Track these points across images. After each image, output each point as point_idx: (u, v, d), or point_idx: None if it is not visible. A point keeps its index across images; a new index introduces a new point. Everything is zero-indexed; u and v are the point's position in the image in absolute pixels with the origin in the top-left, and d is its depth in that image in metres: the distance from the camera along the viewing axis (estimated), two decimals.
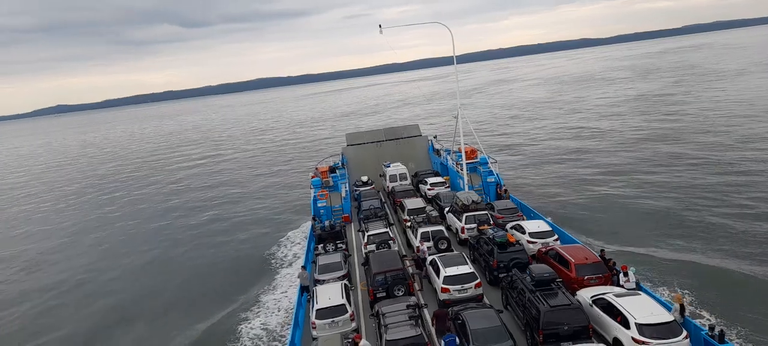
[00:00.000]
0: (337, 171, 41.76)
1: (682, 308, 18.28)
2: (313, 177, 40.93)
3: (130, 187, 78.99)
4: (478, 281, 22.34)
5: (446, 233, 28.57)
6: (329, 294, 21.29)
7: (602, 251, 24.55)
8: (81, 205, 70.21)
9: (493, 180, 38.07)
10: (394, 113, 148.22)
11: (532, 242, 26.51)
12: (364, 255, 27.41)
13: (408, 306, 19.42)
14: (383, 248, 27.33)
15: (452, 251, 27.26)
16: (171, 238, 48.79)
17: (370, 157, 47.38)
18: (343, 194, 38.54)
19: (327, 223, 32.08)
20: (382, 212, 33.42)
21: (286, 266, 35.50)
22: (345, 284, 22.72)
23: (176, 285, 36.54)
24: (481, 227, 28.20)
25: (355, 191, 40.79)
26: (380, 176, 44.19)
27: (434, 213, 31.11)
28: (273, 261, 37.38)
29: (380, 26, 36.18)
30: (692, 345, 17.18)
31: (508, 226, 28.88)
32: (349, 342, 18.32)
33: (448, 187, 39.51)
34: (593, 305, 19.29)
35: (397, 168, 42.40)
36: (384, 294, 22.28)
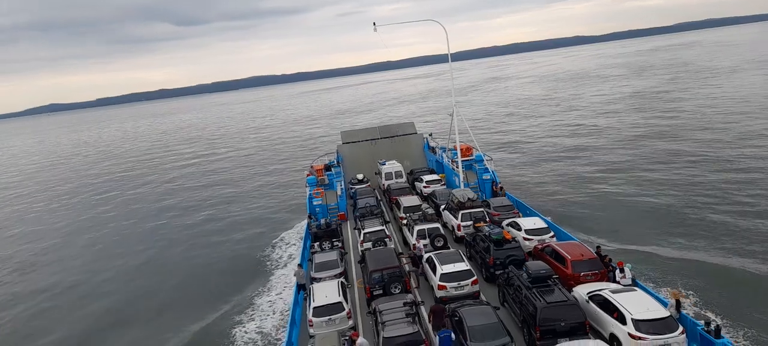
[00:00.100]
0: (332, 169, 41.69)
1: (678, 303, 18.33)
2: (308, 175, 40.77)
3: (124, 186, 78.53)
4: (475, 278, 22.36)
5: (442, 231, 28.49)
6: (326, 292, 21.25)
7: (598, 247, 24.70)
8: (74, 205, 69.75)
9: (488, 177, 38.10)
10: (390, 111, 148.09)
11: (528, 239, 26.50)
12: (360, 253, 27.33)
13: (405, 304, 19.39)
14: (379, 246, 27.25)
15: (448, 248, 27.22)
16: (165, 238, 48.52)
17: (366, 155, 47.28)
18: (339, 192, 38.42)
19: (323, 221, 31.96)
20: (378, 210, 33.30)
21: (281, 267, 35.39)
22: (342, 281, 22.69)
23: (171, 286, 36.33)
24: (477, 225, 28.17)
25: (351, 189, 40.67)
26: (376, 173, 44.09)
27: (430, 211, 31.03)
28: (268, 262, 37.21)
29: (374, 24, 36.12)
30: (688, 341, 17.23)
31: (504, 223, 28.87)
32: (346, 340, 18.28)
33: (443, 184, 39.44)
34: (589, 302, 19.32)
35: (392, 166, 42.30)
36: (381, 292, 22.23)
